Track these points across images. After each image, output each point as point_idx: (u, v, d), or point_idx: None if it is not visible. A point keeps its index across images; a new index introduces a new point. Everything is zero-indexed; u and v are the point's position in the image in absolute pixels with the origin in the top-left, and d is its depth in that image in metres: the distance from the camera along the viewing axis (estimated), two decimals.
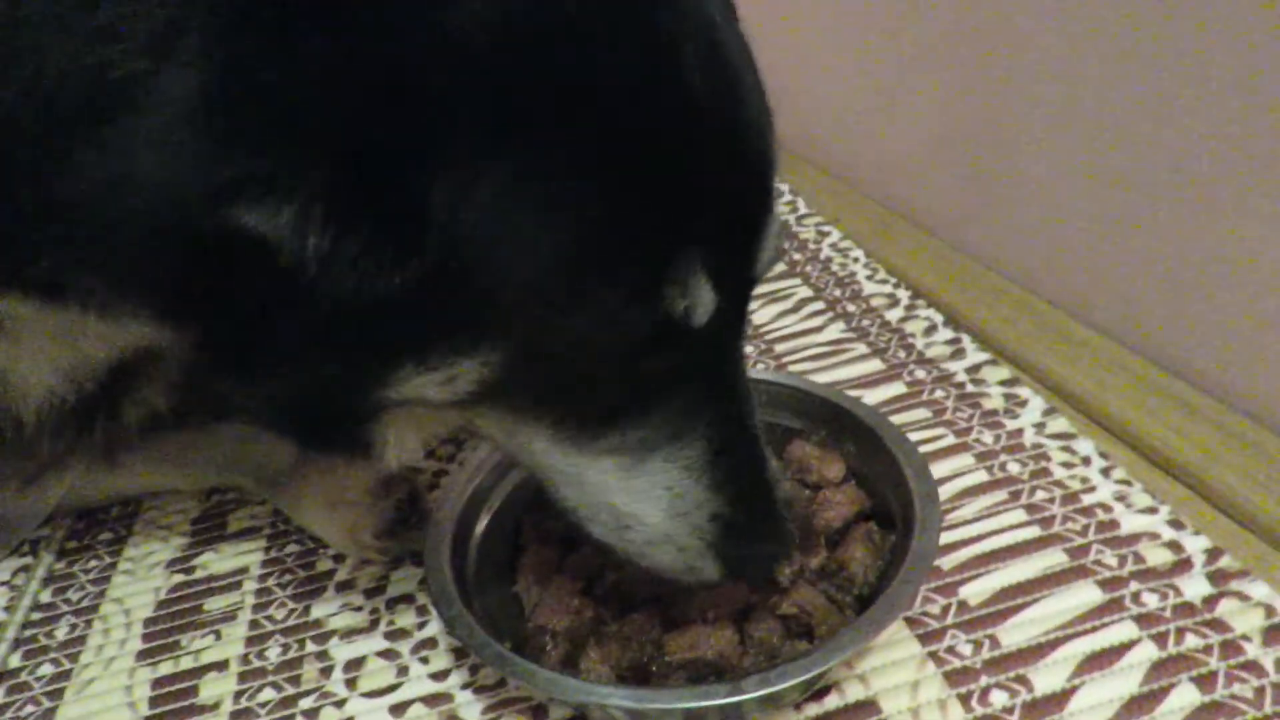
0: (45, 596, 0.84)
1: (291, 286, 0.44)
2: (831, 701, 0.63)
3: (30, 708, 0.73)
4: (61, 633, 0.80)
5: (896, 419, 0.85)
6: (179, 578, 0.84)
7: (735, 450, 0.57)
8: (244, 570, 0.84)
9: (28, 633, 0.80)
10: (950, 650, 0.65)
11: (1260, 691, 0.59)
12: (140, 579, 0.85)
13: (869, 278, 1.19)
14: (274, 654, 0.74)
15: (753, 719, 0.61)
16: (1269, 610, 0.65)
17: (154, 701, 0.72)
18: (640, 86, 0.46)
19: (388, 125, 0.42)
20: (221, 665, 0.74)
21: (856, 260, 1.23)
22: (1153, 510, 0.75)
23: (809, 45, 1.50)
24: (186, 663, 0.75)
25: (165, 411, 0.84)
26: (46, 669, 0.76)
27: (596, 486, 0.57)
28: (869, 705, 0.62)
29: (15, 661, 0.78)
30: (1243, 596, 0.66)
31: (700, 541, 0.57)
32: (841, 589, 0.66)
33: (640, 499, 0.57)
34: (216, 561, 0.86)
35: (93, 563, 0.88)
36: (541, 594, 0.67)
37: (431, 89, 0.42)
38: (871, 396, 0.94)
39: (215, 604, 0.81)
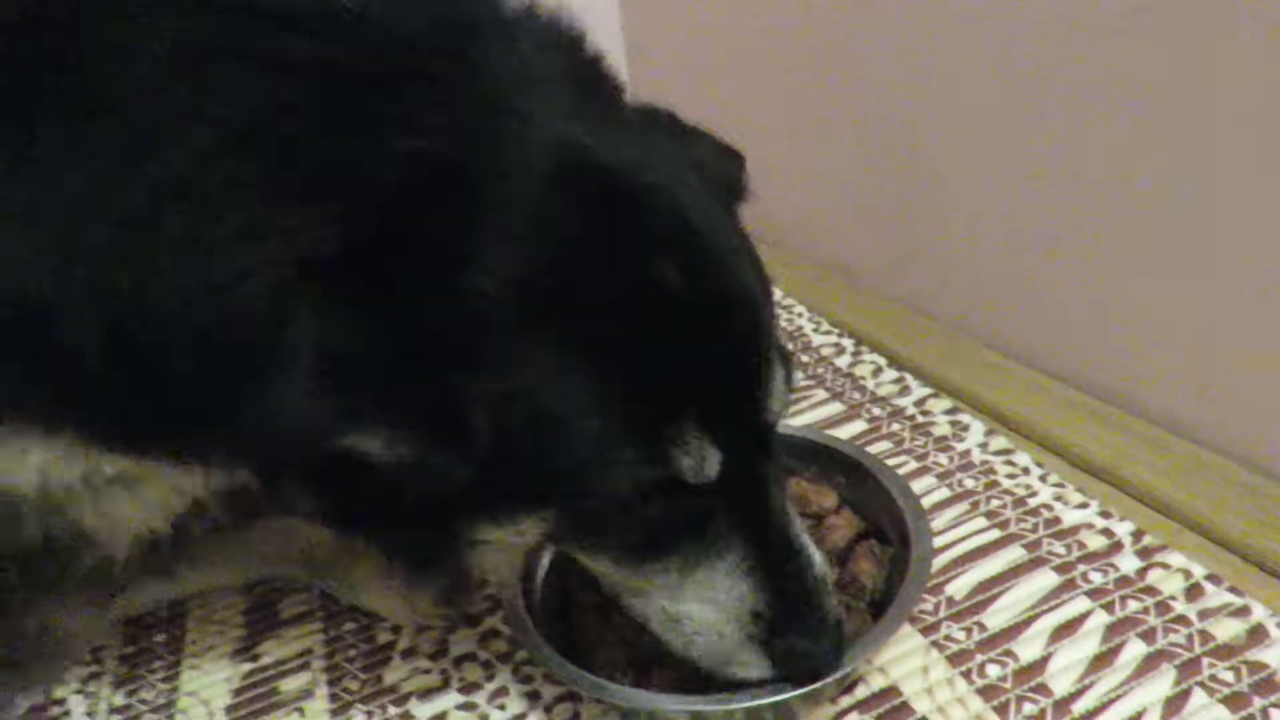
0: (119, 699, 0.90)
1: (387, 483, 0.57)
2: (860, 692, 0.76)
3: None
4: None
5: None
6: (247, 665, 0.91)
7: (775, 556, 0.66)
8: (309, 650, 0.92)
9: None
10: (947, 638, 0.79)
11: (1190, 637, 0.76)
12: (209, 672, 0.91)
13: (815, 330, 1.35)
14: None
15: (800, 715, 0.74)
16: (1187, 574, 0.82)
17: None
18: (626, 298, 0.58)
19: (442, 369, 0.54)
20: None
21: (801, 315, 1.40)
22: (1085, 505, 0.92)
23: (736, 123, 1.67)
24: None
25: (227, 525, 0.92)
26: None
27: (650, 595, 0.69)
28: (892, 690, 0.76)
29: None
30: (1165, 565, 0.83)
31: (742, 633, 0.66)
32: (855, 597, 0.79)
33: (686, 601, 0.67)
34: (279, 647, 0.93)
35: (156, 663, 0.94)
36: (604, 631, 0.78)
37: (470, 337, 0.54)
38: (838, 435, 1.08)
39: (290, 684, 0.88)
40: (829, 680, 0.68)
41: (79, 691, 0.91)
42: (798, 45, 1.43)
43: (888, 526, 0.83)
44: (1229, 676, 0.72)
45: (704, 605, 0.67)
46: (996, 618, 0.80)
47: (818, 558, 0.69)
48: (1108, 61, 0.94)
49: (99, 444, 0.63)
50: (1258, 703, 0.69)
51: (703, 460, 0.60)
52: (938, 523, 0.92)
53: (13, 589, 0.75)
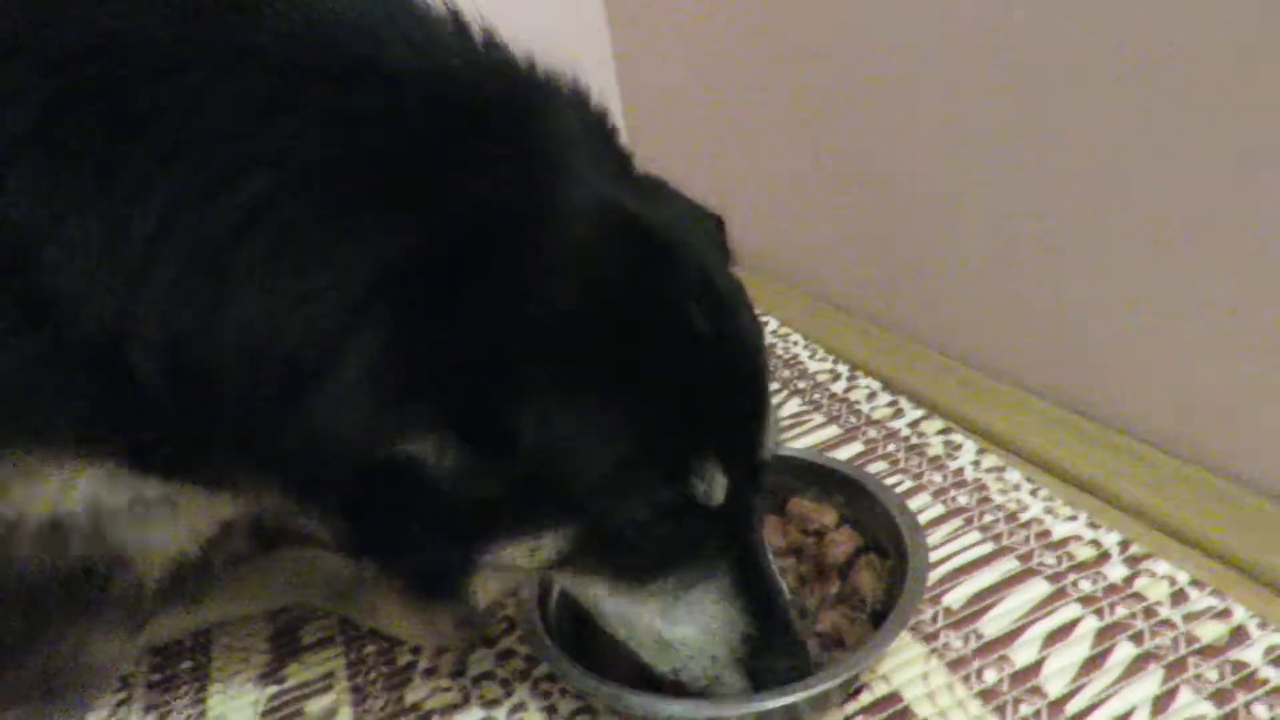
0: None
1: (429, 492, 0.61)
2: (865, 698, 0.79)
3: None
4: None
5: None
6: (273, 688, 0.94)
7: (755, 583, 0.72)
8: (331, 674, 0.95)
9: None
10: (946, 645, 0.83)
11: (1176, 639, 0.80)
12: (236, 696, 0.95)
13: (810, 357, 1.40)
14: None
15: (807, 718, 0.77)
16: (1172, 580, 0.86)
17: None
18: (663, 342, 0.64)
19: (494, 384, 0.59)
20: None
21: (796, 343, 1.44)
22: (1074, 518, 0.96)
23: (729, 158, 1.73)
24: None
25: (246, 554, 0.96)
26: None
27: (644, 619, 0.73)
28: (894, 696, 0.79)
29: None
30: (1151, 573, 0.87)
31: (731, 656, 0.71)
32: (856, 608, 0.83)
33: (679, 625, 0.72)
34: (303, 670, 0.96)
35: (183, 689, 0.97)
36: (617, 650, 0.81)
37: (521, 358, 0.59)
38: (837, 456, 1.12)
39: (315, 705, 0.91)
40: (833, 684, 0.72)
41: (110, 718, 0.94)
42: (787, 83, 1.49)
43: (886, 541, 0.87)
44: (1213, 675, 0.76)
45: (698, 629, 0.72)
46: (992, 625, 0.84)
47: (784, 584, 0.75)
48: (1083, 90, 1.00)
49: (142, 468, 0.67)
50: (1241, 698, 0.73)
51: (714, 486, 0.66)
52: (934, 537, 0.96)
53: (51, 614, 0.78)
